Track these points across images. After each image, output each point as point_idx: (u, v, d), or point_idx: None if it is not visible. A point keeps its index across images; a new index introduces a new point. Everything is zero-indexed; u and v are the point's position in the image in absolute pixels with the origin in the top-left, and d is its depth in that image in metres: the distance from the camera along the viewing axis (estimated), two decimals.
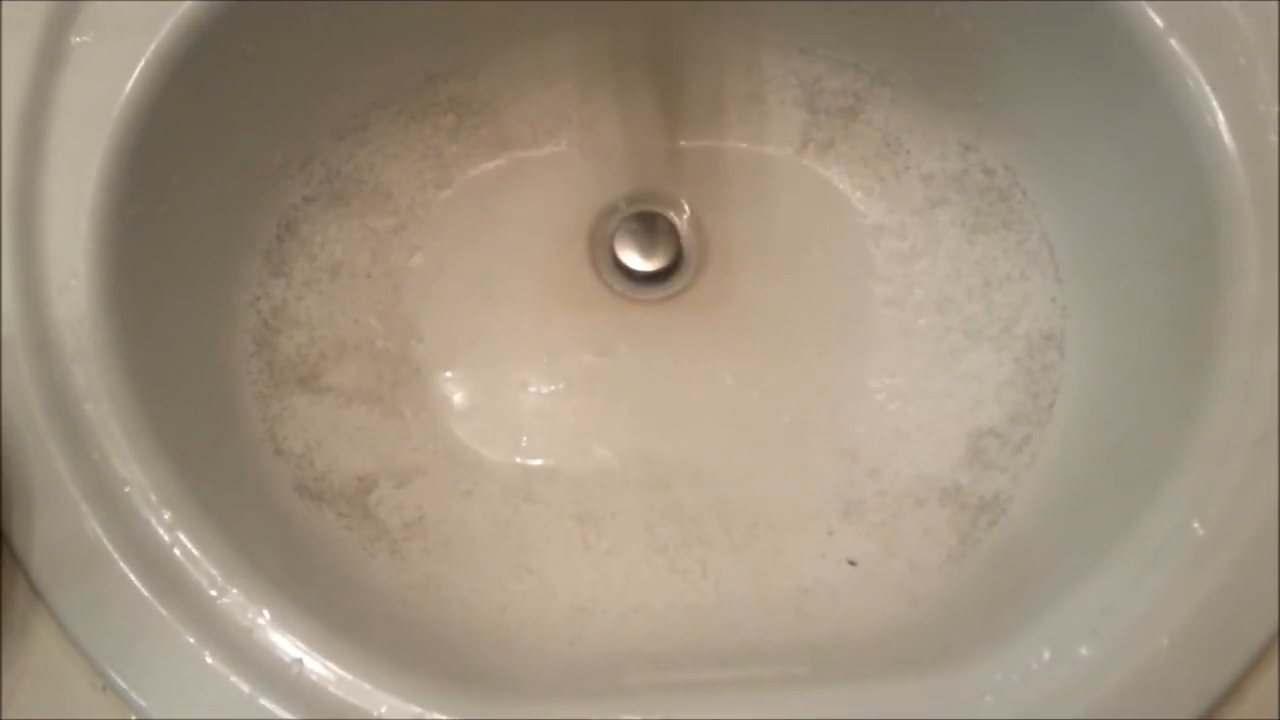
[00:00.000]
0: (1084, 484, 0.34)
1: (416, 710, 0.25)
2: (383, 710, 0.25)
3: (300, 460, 0.36)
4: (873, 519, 0.38)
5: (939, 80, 0.41)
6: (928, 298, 0.41)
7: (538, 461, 0.39)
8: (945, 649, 0.31)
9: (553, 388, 0.40)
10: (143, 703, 0.25)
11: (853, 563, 0.37)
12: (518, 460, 0.39)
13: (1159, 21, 0.33)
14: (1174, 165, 0.34)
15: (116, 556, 0.26)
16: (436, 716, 0.25)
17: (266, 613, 0.26)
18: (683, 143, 0.44)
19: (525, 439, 0.40)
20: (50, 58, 0.32)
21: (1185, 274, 0.33)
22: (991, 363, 0.39)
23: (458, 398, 0.40)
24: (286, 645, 0.26)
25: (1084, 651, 0.27)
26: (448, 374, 0.40)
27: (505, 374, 0.40)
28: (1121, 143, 0.36)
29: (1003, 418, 0.38)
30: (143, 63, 0.32)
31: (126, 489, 0.27)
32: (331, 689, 0.25)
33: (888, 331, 0.41)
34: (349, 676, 0.26)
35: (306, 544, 0.33)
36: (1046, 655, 0.27)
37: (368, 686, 0.26)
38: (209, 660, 0.25)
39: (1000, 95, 0.39)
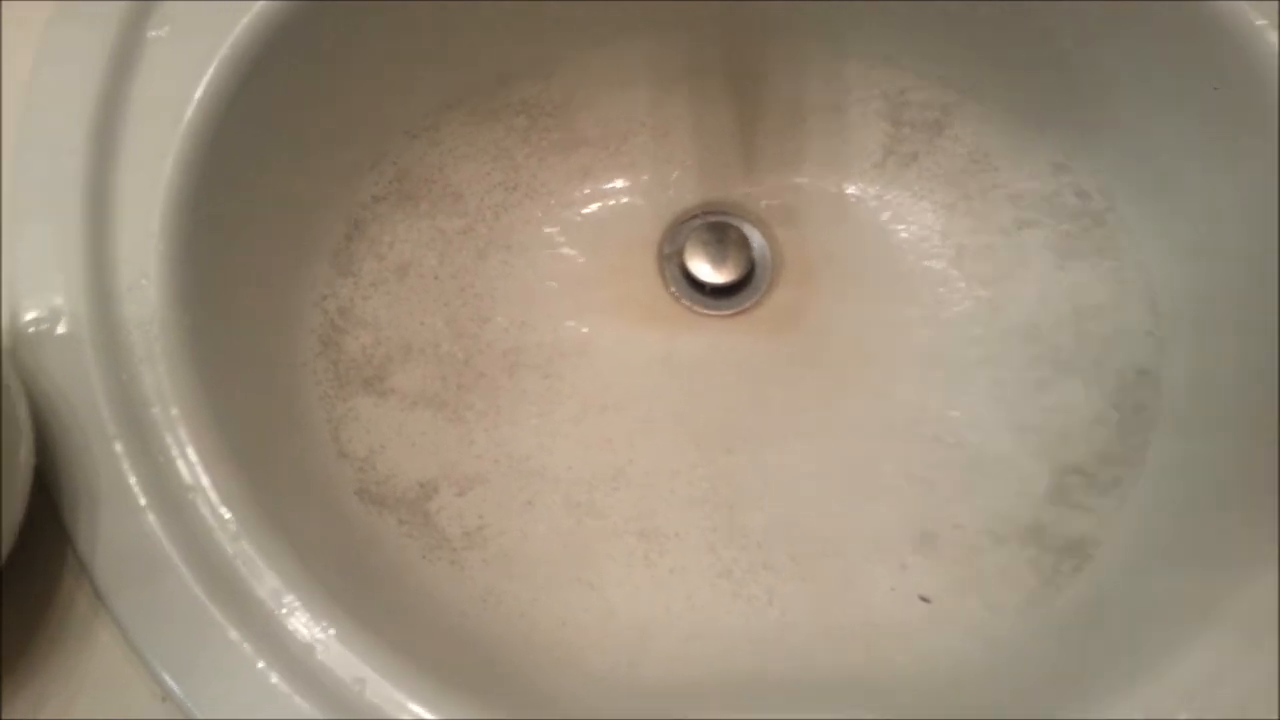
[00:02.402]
0: (1184, 535, 0.32)
1: None
2: None
3: (363, 464, 0.35)
4: (948, 554, 0.36)
5: (1033, 97, 0.39)
6: (1014, 324, 0.39)
7: (601, 474, 0.38)
8: (1024, 703, 0.29)
9: (618, 400, 0.39)
10: (202, 716, 0.24)
11: (925, 599, 0.36)
12: (581, 472, 0.38)
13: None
14: None
15: (180, 565, 0.25)
16: None
17: (331, 630, 0.25)
18: (759, 151, 0.43)
19: (589, 450, 0.38)
20: (126, 52, 0.31)
21: None
22: (1080, 397, 0.38)
23: (522, 405, 0.39)
24: (349, 665, 0.25)
25: None
26: (512, 380, 0.39)
27: (570, 383, 0.39)
28: (1231, 170, 0.34)
29: (1091, 455, 0.37)
30: (218, 59, 0.32)
31: (191, 495, 0.26)
32: (390, 713, 0.25)
33: (971, 357, 0.39)
34: (409, 701, 0.25)
35: (367, 552, 0.32)
36: None
37: (426, 713, 0.25)
38: (271, 678, 0.24)
39: (1099, 115, 0.38)
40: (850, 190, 0.42)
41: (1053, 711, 0.27)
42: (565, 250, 0.42)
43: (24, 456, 0.24)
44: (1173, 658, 0.26)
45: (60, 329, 0.27)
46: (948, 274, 0.41)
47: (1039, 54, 0.38)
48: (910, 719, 0.30)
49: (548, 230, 0.42)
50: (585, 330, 0.40)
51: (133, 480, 0.26)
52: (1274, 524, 0.27)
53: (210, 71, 0.32)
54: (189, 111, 0.31)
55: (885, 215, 0.42)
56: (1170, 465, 0.34)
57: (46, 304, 0.27)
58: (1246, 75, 0.33)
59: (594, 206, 0.42)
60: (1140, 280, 0.38)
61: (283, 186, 0.35)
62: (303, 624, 0.25)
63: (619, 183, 0.42)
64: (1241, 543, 0.28)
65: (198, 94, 0.31)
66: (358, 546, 0.32)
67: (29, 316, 0.27)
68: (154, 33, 0.32)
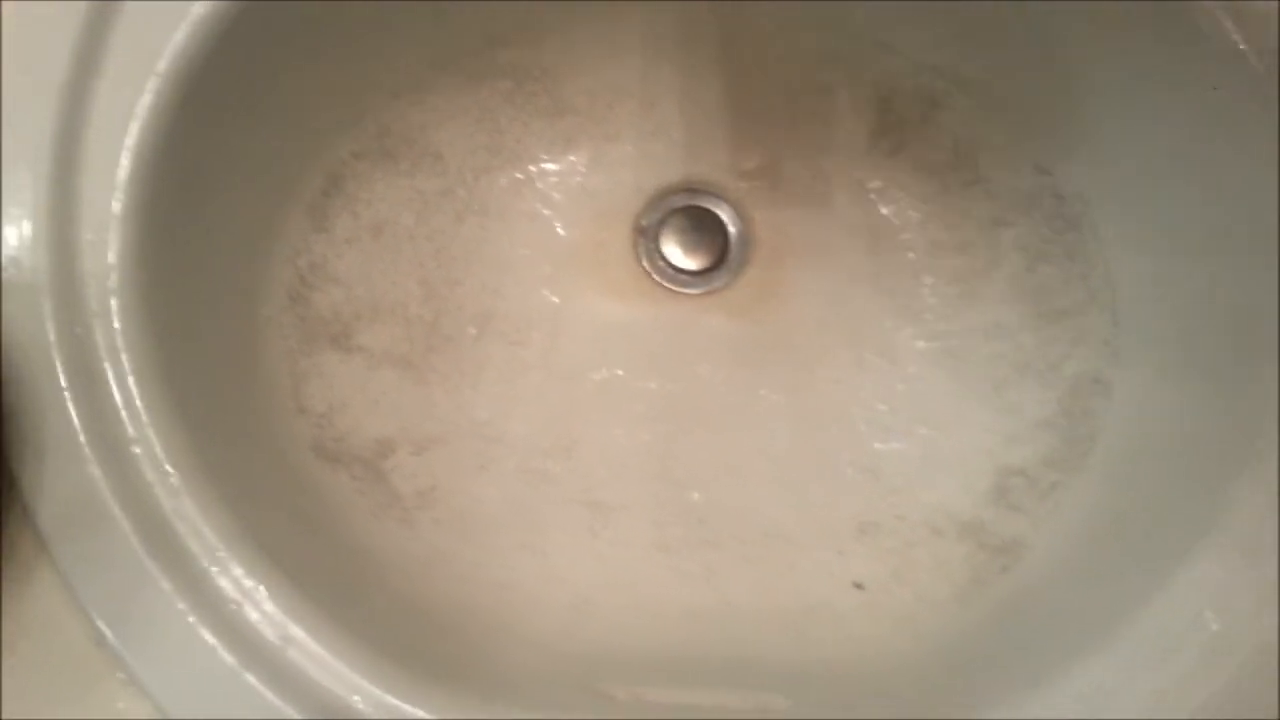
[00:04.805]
0: (1106, 547, 0.32)
1: (392, 702, 0.26)
2: (356, 699, 0.26)
3: (321, 420, 0.36)
4: (887, 544, 0.37)
5: (1023, 97, 0.39)
6: (979, 321, 0.40)
7: (558, 443, 0.39)
8: (935, 696, 0.30)
9: (579, 371, 0.40)
10: (133, 663, 0.26)
11: (859, 586, 0.37)
12: (538, 440, 0.39)
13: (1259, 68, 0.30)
14: (1260, 230, 0.32)
15: (120, 516, 0.26)
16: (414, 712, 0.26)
17: (262, 589, 0.27)
18: (745, 130, 0.43)
19: (548, 419, 0.39)
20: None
21: (1249, 346, 0.31)
22: (1034, 399, 0.38)
23: (486, 370, 0.40)
24: (275, 624, 0.26)
25: None
26: (479, 345, 0.40)
27: (534, 352, 0.40)
28: (1208, 192, 0.34)
29: (1035, 458, 0.37)
30: (197, 12, 0.32)
31: (135, 449, 0.27)
32: (312, 672, 0.26)
33: (932, 351, 0.40)
34: (332, 661, 0.26)
35: (315, 507, 0.34)
36: None
37: (348, 672, 0.26)
38: (199, 631, 0.26)
39: (1087, 122, 0.37)
40: (833, 175, 0.42)
41: (960, 708, 0.28)
42: (543, 218, 0.42)
43: None
44: (1074, 666, 0.27)
45: (21, 278, 0.28)
46: (920, 266, 0.41)
47: (1036, 54, 0.38)
48: (822, 708, 0.31)
49: (527, 197, 0.42)
50: (556, 300, 0.41)
51: (80, 431, 0.27)
52: (1187, 550, 0.28)
53: (188, 24, 0.32)
54: (163, 64, 0.31)
55: (865, 203, 0.42)
56: (1106, 475, 0.34)
57: (9, 253, 0.28)
58: (1232, 93, 0.33)
59: (575, 176, 0.42)
60: (1106, 290, 0.38)
61: (259, 141, 0.35)
62: (233, 582, 0.26)
63: (602, 153, 0.42)
64: (1155, 562, 0.29)
65: (173, 47, 0.32)
66: (307, 502, 0.33)
67: None
68: None
